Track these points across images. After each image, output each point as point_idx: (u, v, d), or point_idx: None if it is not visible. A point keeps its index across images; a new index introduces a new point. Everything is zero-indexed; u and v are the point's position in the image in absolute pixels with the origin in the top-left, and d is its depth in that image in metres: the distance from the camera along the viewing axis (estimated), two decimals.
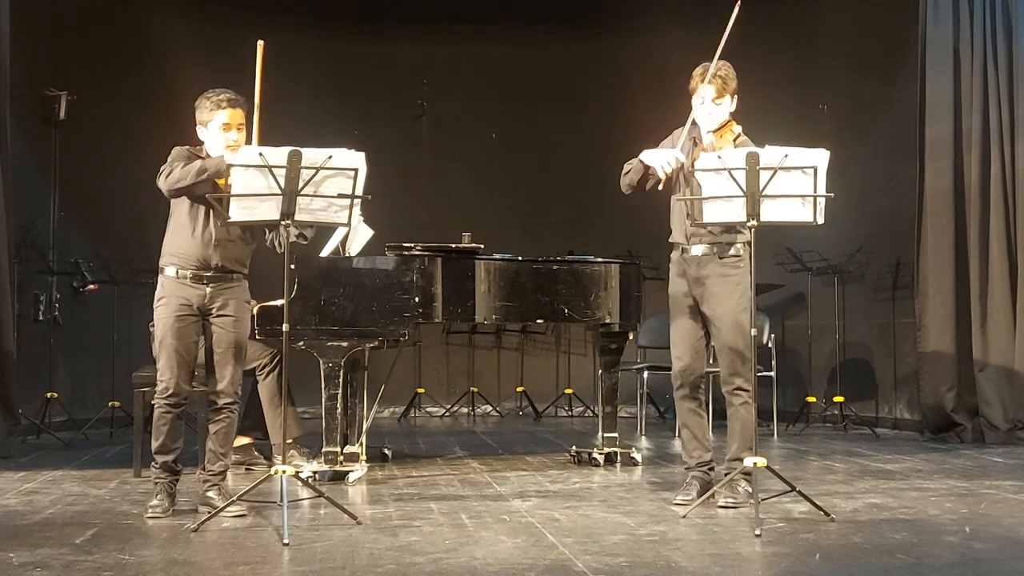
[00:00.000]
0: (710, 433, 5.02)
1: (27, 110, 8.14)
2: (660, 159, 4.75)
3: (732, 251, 4.77)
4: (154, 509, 4.47)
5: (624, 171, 4.92)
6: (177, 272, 4.52)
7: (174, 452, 4.55)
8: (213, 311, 4.55)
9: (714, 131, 4.78)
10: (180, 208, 4.55)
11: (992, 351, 7.31)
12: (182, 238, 4.53)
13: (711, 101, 4.77)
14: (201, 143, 4.62)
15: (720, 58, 4.78)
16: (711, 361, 5.18)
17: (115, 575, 3.50)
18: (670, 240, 4.95)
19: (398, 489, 5.35)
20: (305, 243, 4.66)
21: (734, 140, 4.74)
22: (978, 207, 7.38)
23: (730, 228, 4.72)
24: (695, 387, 4.88)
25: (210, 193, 4.43)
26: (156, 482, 4.55)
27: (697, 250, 4.80)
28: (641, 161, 4.82)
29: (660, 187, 4.80)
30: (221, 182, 4.39)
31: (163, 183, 4.47)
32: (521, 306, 5.99)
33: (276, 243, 4.73)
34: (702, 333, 4.87)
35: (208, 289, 4.52)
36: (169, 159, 4.53)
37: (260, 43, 4.51)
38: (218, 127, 4.55)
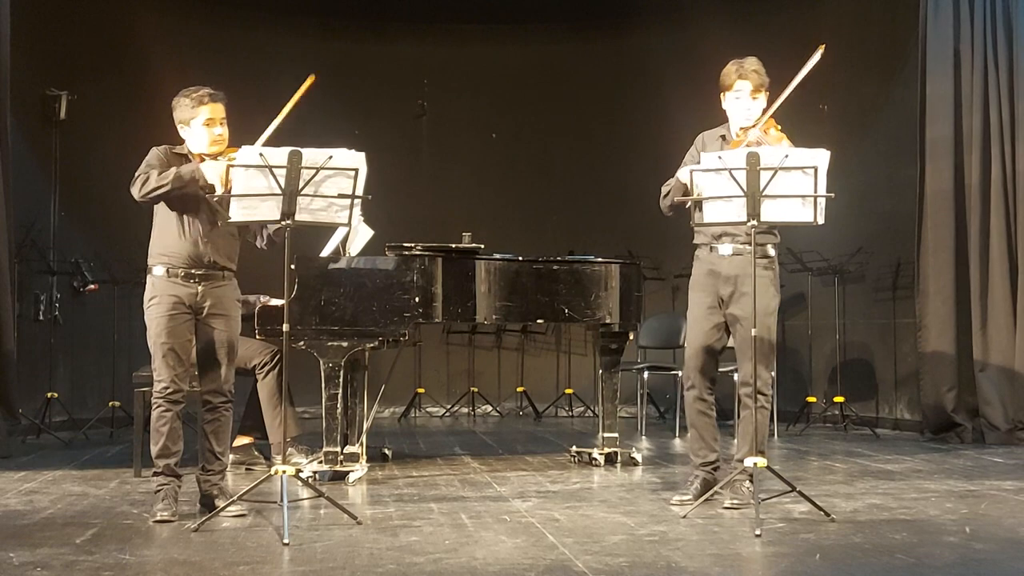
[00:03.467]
0: (717, 434, 4.98)
1: (27, 110, 8.14)
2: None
3: (763, 252, 4.73)
4: (163, 513, 4.41)
5: (663, 193, 4.90)
6: (168, 271, 4.49)
7: (175, 455, 4.52)
8: (205, 311, 4.53)
9: (752, 126, 4.74)
10: (166, 207, 4.52)
11: (992, 351, 7.31)
12: (170, 237, 4.51)
13: (748, 95, 4.77)
14: (182, 141, 4.60)
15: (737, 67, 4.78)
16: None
17: (115, 575, 3.50)
18: (695, 241, 4.91)
19: (398, 489, 5.35)
20: (292, 225, 4.56)
21: (777, 132, 4.69)
22: (978, 207, 7.38)
23: (766, 230, 4.68)
24: (706, 387, 4.85)
25: (209, 196, 4.42)
26: (160, 488, 4.49)
27: (726, 250, 4.77)
28: (678, 179, 4.79)
29: (689, 204, 4.71)
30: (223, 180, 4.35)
31: (137, 190, 4.42)
32: (521, 306, 5.99)
33: (260, 235, 4.71)
34: (720, 334, 4.85)
35: (200, 288, 4.51)
36: (144, 162, 4.49)
37: (312, 77, 4.50)
38: (201, 123, 4.51)
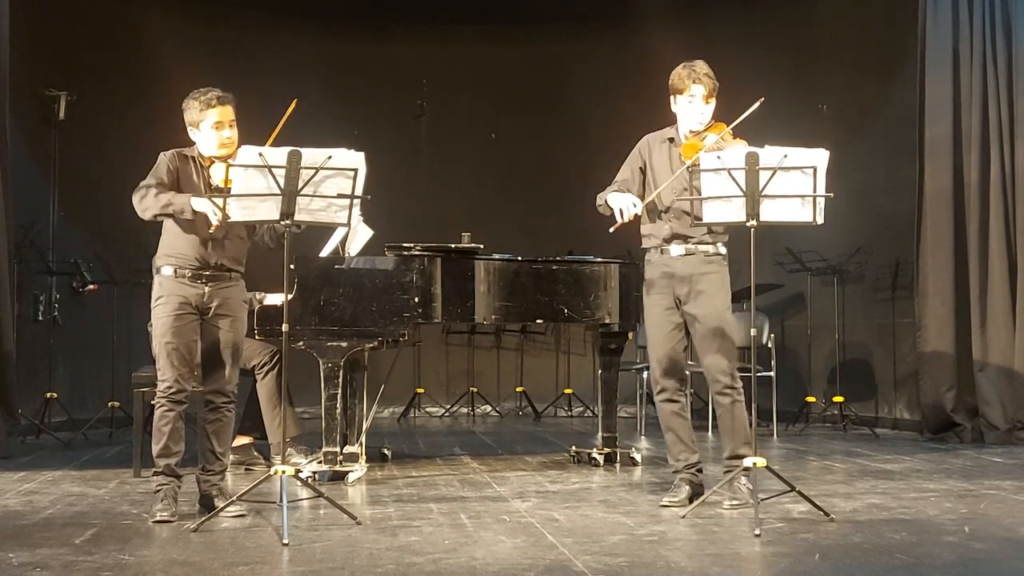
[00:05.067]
0: (694, 435, 4.98)
1: (27, 110, 8.15)
2: (622, 203, 4.75)
3: (715, 250, 4.79)
4: (162, 513, 4.40)
5: (598, 202, 4.97)
6: (175, 272, 4.50)
7: (176, 455, 4.51)
8: (211, 311, 4.53)
9: (703, 131, 4.76)
10: None
11: (992, 351, 7.31)
12: (179, 238, 4.51)
13: (702, 99, 4.78)
14: (193, 143, 4.61)
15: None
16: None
17: (115, 575, 3.50)
18: (644, 246, 4.96)
19: (397, 489, 5.35)
20: (298, 231, 4.60)
21: (733, 137, 4.73)
22: (977, 207, 7.38)
23: (711, 228, 4.73)
24: (677, 390, 4.86)
25: (209, 194, 4.43)
26: (160, 488, 4.48)
27: (678, 250, 4.81)
28: (607, 202, 4.85)
29: (612, 230, 4.80)
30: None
31: (136, 203, 4.45)
32: (521, 306, 5.99)
33: (267, 238, 4.73)
34: (682, 335, 4.86)
35: (207, 289, 4.51)
36: (152, 170, 4.51)
37: (295, 101, 4.52)
38: (210, 126, 4.52)
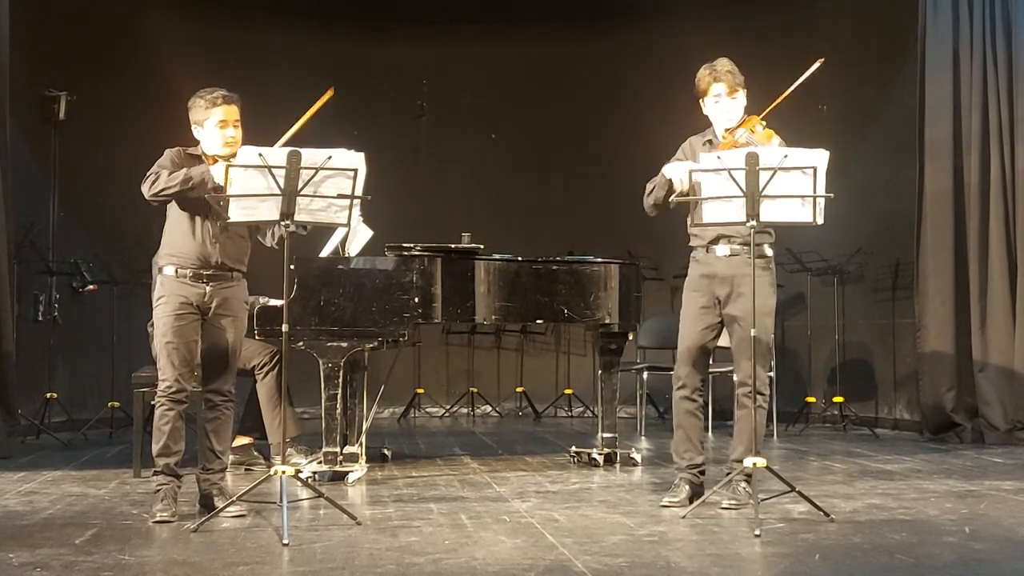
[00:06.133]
0: (703, 436, 4.96)
1: (27, 110, 8.14)
2: (677, 172, 4.69)
3: (761, 252, 4.71)
4: (162, 513, 4.40)
5: (648, 191, 4.87)
6: (176, 271, 4.51)
7: (176, 455, 4.51)
8: (212, 310, 4.54)
9: (737, 126, 4.74)
10: (177, 208, 4.53)
11: (992, 351, 7.31)
12: (181, 238, 4.52)
13: (726, 96, 4.76)
14: (197, 143, 4.61)
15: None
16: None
17: (115, 575, 3.50)
18: (691, 244, 4.89)
19: (398, 489, 5.35)
20: (304, 233, 4.59)
21: (764, 129, 4.68)
22: (978, 207, 7.38)
23: (761, 229, 4.65)
24: (696, 388, 4.85)
25: (209, 195, 4.43)
26: (159, 488, 4.48)
27: (724, 250, 4.76)
28: (663, 175, 4.78)
29: (673, 200, 4.70)
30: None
31: (146, 190, 4.43)
32: (521, 306, 5.99)
33: (270, 235, 4.72)
34: (713, 335, 4.84)
35: (208, 288, 4.52)
36: (157, 163, 4.51)
37: (330, 90, 4.52)
38: (214, 125, 4.53)
